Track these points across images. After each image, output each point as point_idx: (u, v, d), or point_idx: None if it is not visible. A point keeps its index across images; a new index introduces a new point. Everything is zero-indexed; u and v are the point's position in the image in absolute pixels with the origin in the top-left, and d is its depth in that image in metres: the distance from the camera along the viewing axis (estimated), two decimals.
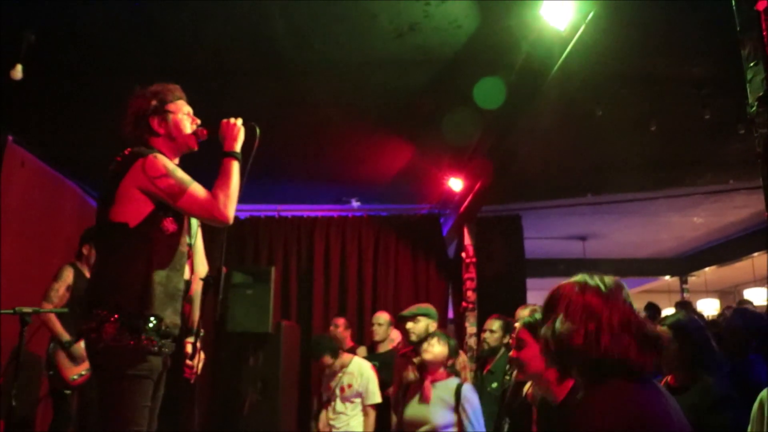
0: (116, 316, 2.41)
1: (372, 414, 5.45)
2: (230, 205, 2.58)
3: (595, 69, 4.38)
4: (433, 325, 5.06)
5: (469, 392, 4.30)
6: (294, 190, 7.64)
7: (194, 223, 2.83)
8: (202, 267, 2.94)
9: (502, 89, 4.54)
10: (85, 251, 5.08)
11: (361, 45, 4.31)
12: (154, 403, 2.57)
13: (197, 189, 2.58)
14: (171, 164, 2.62)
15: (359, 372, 5.51)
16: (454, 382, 4.35)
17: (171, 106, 2.77)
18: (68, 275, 4.93)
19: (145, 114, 2.73)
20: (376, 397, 5.45)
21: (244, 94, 5.05)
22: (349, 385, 5.49)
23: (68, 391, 4.84)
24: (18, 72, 4.08)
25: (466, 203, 7.04)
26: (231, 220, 2.59)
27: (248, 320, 6.14)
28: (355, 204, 7.93)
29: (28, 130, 5.69)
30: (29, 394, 5.30)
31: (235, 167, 2.65)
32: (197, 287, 2.94)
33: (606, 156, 6.49)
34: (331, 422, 5.49)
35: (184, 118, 2.79)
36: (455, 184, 6.80)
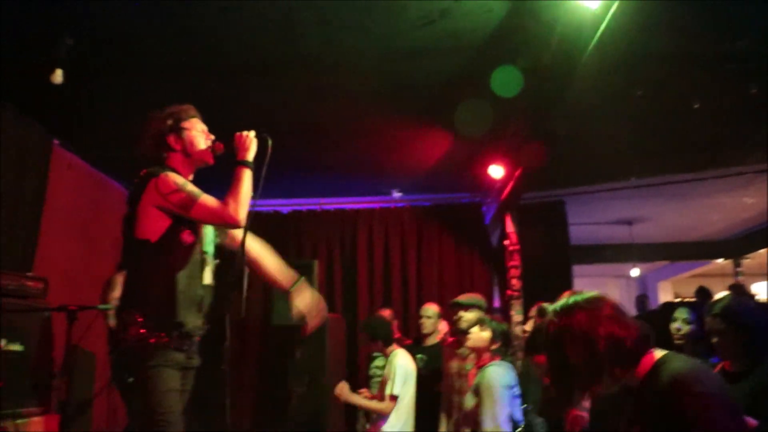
0: (141, 319, 2.66)
1: (387, 404, 5.18)
2: (240, 209, 2.77)
3: (631, 48, 4.28)
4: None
5: (487, 375, 4.22)
6: (334, 183, 7.66)
7: (210, 231, 3.04)
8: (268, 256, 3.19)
9: (519, 77, 4.47)
10: None
11: (391, 34, 4.30)
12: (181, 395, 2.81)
13: (207, 198, 2.79)
14: (181, 179, 2.85)
15: (391, 362, 5.35)
16: (491, 365, 4.32)
17: (186, 124, 3.01)
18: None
19: (162, 133, 2.97)
20: (395, 389, 5.19)
21: (277, 88, 5.09)
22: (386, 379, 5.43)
23: None
24: (58, 76, 4.18)
25: (507, 190, 6.98)
26: (242, 223, 2.78)
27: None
28: (396, 195, 7.93)
29: (72, 133, 5.84)
30: (83, 390, 5.44)
31: (246, 174, 2.85)
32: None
33: (648, 137, 6.34)
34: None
35: (198, 134, 3.02)
36: (495, 171, 6.73)
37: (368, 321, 5.90)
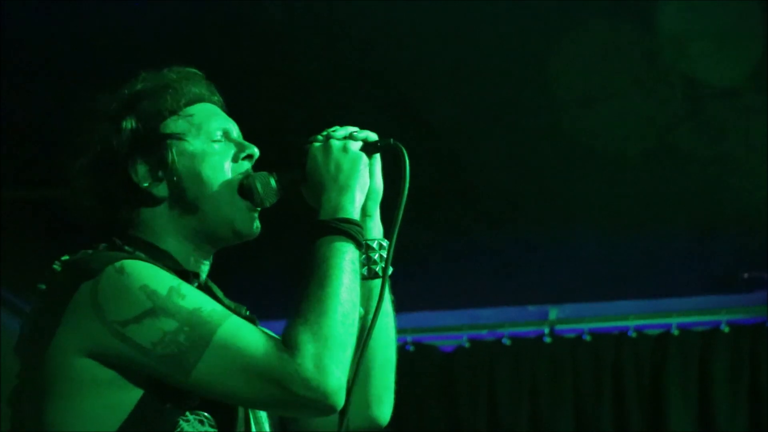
0: None
1: None
2: (331, 359, 0.92)
3: None
4: None
5: None
6: (594, 271, 3.24)
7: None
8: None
9: None
10: None
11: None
12: None
13: (238, 332, 0.93)
14: (163, 278, 0.94)
15: None
16: None
17: (174, 126, 1.05)
18: None
19: (112, 153, 1.04)
20: None
21: None
22: None
23: None
24: None
25: None
26: (337, 396, 0.93)
27: None
28: None
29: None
30: None
31: (347, 258, 1.00)
32: None
33: None
34: None
35: (212, 148, 1.07)
36: None
37: None
